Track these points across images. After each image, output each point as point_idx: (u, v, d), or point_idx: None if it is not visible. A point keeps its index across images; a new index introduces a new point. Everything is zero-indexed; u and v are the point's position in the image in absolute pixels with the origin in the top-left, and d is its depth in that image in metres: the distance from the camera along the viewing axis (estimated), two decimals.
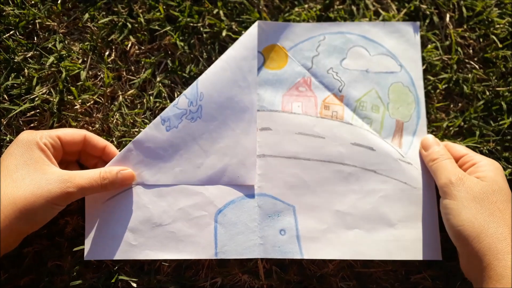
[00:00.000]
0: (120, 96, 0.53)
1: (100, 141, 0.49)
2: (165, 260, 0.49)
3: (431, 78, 0.54)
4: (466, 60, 0.55)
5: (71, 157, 0.49)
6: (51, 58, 0.52)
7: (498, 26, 0.56)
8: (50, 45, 0.53)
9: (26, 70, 0.52)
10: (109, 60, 0.53)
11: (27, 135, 0.45)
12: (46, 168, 0.43)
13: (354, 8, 0.56)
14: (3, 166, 0.43)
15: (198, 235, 0.48)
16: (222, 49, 0.53)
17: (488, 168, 0.46)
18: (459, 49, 0.55)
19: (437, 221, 0.49)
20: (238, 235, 0.48)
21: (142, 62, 0.54)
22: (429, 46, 0.55)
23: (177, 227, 0.48)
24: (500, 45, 0.55)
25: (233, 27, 0.54)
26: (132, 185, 0.49)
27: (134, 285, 0.48)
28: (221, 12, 0.54)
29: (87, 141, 0.48)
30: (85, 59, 0.53)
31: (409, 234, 0.49)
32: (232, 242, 0.48)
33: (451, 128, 0.53)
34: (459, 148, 0.49)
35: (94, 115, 0.52)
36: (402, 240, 0.49)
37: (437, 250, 0.48)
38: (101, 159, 0.49)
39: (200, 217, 0.48)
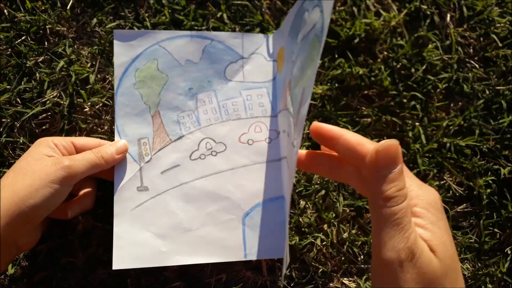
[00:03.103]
0: None
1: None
2: None
3: (432, 77, 0.55)
4: (467, 60, 0.56)
5: None
6: (61, 63, 0.54)
7: (498, 25, 0.56)
8: (60, 50, 0.55)
9: (37, 74, 0.54)
10: None
11: (41, 138, 0.46)
12: (44, 157, 0.44)
13: (355, 9, 0.56)
14: (12, 166, 0.44)
15: (227, 238, 0.49)
16: None
17: (439, 230, 0.32)
18: (459, 48, 0.56)
19: None
20: (266, 237, 0.49)
21: None
22: (430, 46, 0.56)
23: (206, 232, 0.49)
24: (500, 44, 0.56)
25: (237, 30, 0.56)
26: (160, 192, 0.50)
27: (143, 281, 0.50)
28: (224, 15, 0.56)
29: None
30: (94, 63, 0.55)
31: None
32: (260, 243, 0.49)
33: (451, 127, 0.54)
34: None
35: (103, 117, 0.54)
36: None
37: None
38: None
39: (228, 221, 0.49)
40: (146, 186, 0.49)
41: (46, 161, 0.43)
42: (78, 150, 0.47)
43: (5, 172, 0.52)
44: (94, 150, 0.46)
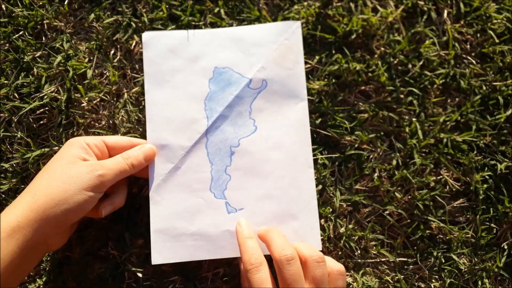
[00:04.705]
0: (125, 94, 0.54)
1: (145, 143, 0.50)
2: None
3: (428, 73, 0.55)
4: (464, 55, 0.56)
5: None
6: (59, 58, 0.54)
7: (495, 21, 0.57)
8: (57, 45, 0.55)
9: (35, 69, 0.54)
10: (114, 59, 0.55)
11: (73, 138, 0.47)
12: (78, 160, 0.45)
13: (352, 4, 0.57)
14: (45, 166, 0.45)
15: None
16: None
17: None
18: (456, 44, 0.56)
19: None
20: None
21: None
22: (427, 42, 0.56)
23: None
24: (497, 40, 0.56)
25: (234, 25, 0.56)
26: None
27: (140, 275, 0.50)
28: (222, 10, 0.56)
29: (133, 144, 0.49)
30: (91, 58, 0.55)
31: None
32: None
33: (448, 123, 0.54)
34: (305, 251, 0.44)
35: (100, 112, 0.54)
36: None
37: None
38: None
39: None
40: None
41: (81, 167, 0.44)
42: (110, 148, 0.48)
43: (2, 167, 0.52)
44: (125, 156, 0.47)
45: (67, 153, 0.45)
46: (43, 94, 0.53)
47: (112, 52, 0.55)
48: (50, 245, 0.44)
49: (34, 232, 0.41)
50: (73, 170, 0.43)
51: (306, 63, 0.55)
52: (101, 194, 0.45)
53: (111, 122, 0.54)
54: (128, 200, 0.50)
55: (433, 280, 0.52)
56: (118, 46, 0.56)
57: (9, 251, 0.40)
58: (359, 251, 0.52)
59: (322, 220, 0.52)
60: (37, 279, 0.50)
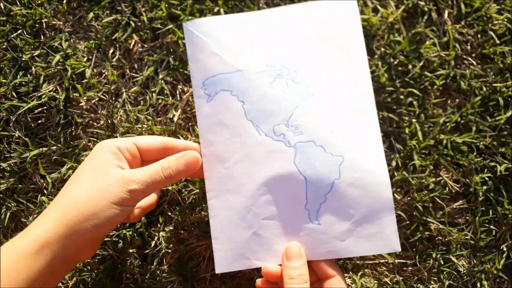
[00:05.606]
0: (124, 93, 0.54)
1: (179, 143, 0.46)
2: (168, 252, 0.51)
3: (429, 74, 0.55)
4: (464, 56, 0.56)
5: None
6: (57, 57, 0.54)
7: (496, 22, 0.56)
8: (56, 44, 0.55)
9: (33, 68, 0.54)
10: (113, 58, 0.55)
11: (103, 142, 0.43)
12: (110, 170, 0.41)
13: None
14: (74, 173, 0.42)
15: None
16: None
17: None
18: (457, 45, 0.56)
19: None
20: None
21: (145, 60, 0.55)
22: (427, 42, 0.56)
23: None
24: (498, 41, 0.56)
25: None
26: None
27: (138, 276, 0.50)
28: (221, 10, 0.56)
29: (166, 145, 0.45)
30: (90, 57, 0.55)
31: None
32: None
33: (448, 124, 0.54)
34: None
35: (99, 111, 0.54)
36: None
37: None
38: None
39: None
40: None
41: (111, 179, 0.40)
42: (142, 152, 0.44)
43: (0, 166, 0.52)
44: (164, 166, 0.42)
45: (97, 160, 0.42)
46: (42, 93, 0.53)
47: (111, 51, 0.55)
48: (81, 257, 0.42)
49: (64, 248, 0.38)
50: (102, 182, 0.40)
51: None
52: (132, 207, 0.42)
53: (109, 121, 0.54)
54: None
55: (432, 282, 0.51)
56: (117, 45, 0.55)
57: (37, 268, 0.37)
58: None
59: None
60: None
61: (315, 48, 0.48)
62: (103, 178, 0.40)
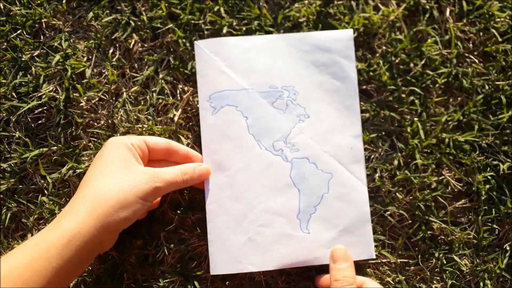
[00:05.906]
0: (124, 93, 0.54)
1: (182, 148, 0.50)
2: (169, 252, 0.51)
3: (430, 72, 0.54)
4: (466, 54, 0.56)
5: (155, 165, 0.49)
6: (57, 57, 0.54)
7: (498, 20, 0.56)
8: (56, 44, 0.54)
9: (33, 69, 0.54)
10: (113, 58, 0.55)
11: (115, 138, 0.47)
12: (134, 165, 0.44)
13: (353, 3, 0.56)
14: (94, 167, 0.44)
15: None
16: None
17: None
18: (458, 43, 0.55)
19: None
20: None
21: (145, 60, 0.55)
22: (429, 40, 0.55)
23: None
24: (500, 39, 0.55)
25: (234, 24, 0.55)
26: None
27: (139, 276, 0.50)
28: (222, 9, 0.55)
29: (170, 147, 0.49)
30: (90, 57, 0.55)
31: None
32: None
33: (450, 122, 0.54)
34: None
35: (99, 111, 0.54)
36: None
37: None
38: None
39: None
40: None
41: (139, 174, 0.44)
42: (150, 149, 0.48)
43: (1, 167, 0.52)
44: (183, 171, 0.47)
45: (118, 155, 0.45)
46: (42, 93, 0.53)
47: (111, 51, 0.55)
48: (104, 247, 0.45)
49: (93, 238, 0.41)
50: (131, 176, 0.43)
51: None
52: (151, 203, 0.45)
53: (110, 121, 0.53)
54: None
55: (435, 282, 0.51)
56: (117, 45, 0.55)
57: (68, 257, 0.39)
58: None
59: None
60: None
61: (313, 73, 0.53)
62: (130, 173, 0.44)
